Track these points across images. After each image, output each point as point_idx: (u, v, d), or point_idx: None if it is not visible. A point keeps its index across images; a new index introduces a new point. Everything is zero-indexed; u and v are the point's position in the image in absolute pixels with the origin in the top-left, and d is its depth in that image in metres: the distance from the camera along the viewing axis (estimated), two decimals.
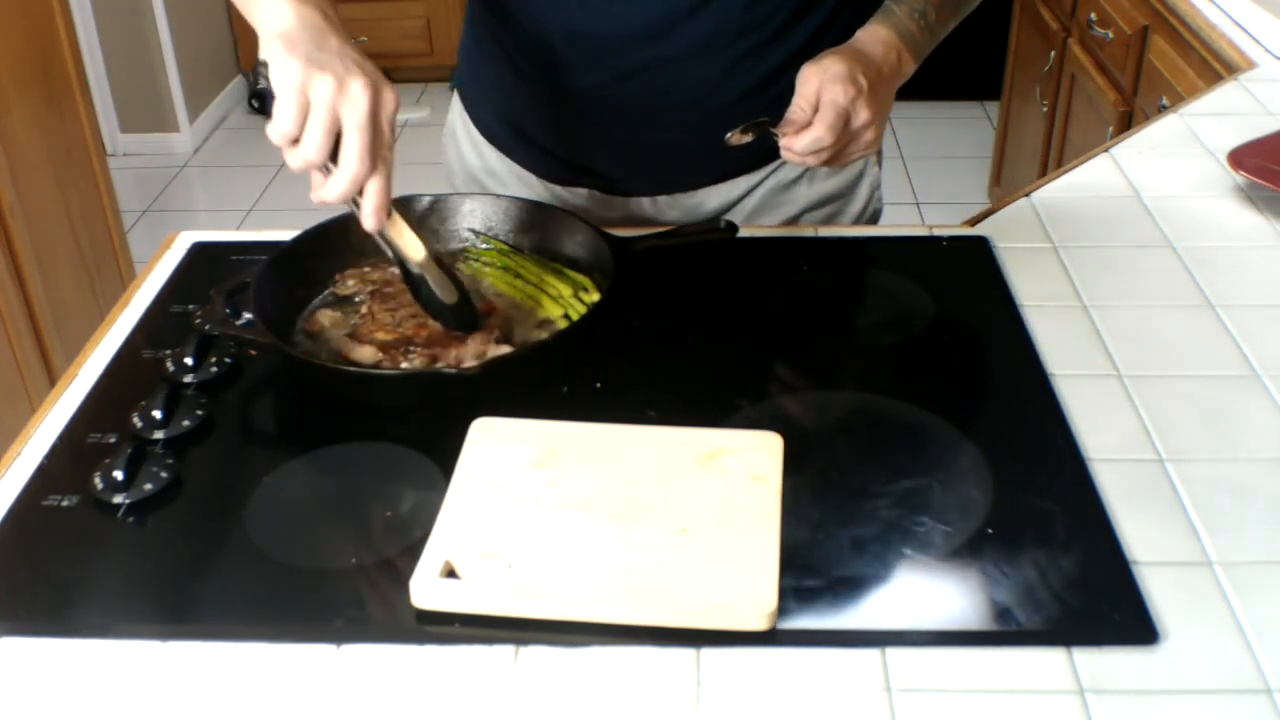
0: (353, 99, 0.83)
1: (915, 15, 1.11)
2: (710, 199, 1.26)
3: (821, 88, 1.02)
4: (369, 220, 0.88)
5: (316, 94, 0.83)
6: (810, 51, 1.05)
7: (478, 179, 1.33)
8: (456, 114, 1.36)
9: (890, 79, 1.08)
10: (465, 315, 0.99)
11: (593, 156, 1.24)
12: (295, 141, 0.84)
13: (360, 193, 0.86)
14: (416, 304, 1.00)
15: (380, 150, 0.85)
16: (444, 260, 0.99)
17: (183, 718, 0.70)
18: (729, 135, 1.03)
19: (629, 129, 1.19)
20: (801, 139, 1.02)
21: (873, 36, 1.09)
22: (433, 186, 1.19)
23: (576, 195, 1.28)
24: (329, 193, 0.86)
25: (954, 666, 0.72)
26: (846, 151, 1.05)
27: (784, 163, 1.24)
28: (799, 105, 1.03)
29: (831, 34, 1.13)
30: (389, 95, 0.86)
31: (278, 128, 0.83)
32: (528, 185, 1.29)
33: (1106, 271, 1.12)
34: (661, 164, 1.23)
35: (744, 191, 1.26)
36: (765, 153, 1.08)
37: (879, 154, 1.33)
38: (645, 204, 1.26)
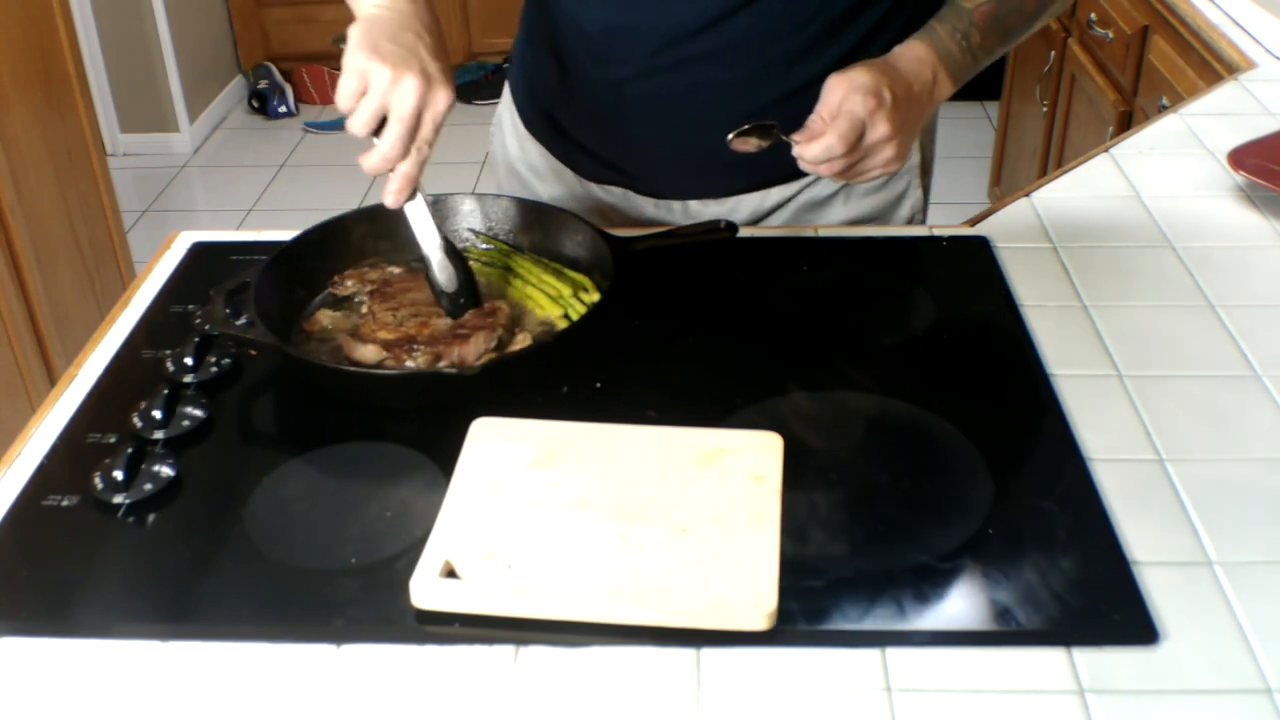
0: (402, 93, 0.92)
1: (957, 36, 1.08)
2: (741, 208, 1.25)
3: (844, 97, 1.00)
4: (387, 198, 0.97)
5: (374, 81, 0.93)
6: (846, 66, 1.03)
7: (516, 171, 1.34)
8: (505, 105, 1.36)
9: (921, 97, 1.05)
10: (459, 305, 1.03)
11: (622, 153, 1.24)
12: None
13: (391, 172, 0.96)
14: (421, 297, 1.03)
15: (417, 141, 0.94)
16: (456, 252, 1.03)
17: (183, 718, 0.70)
18: (730, 136, 1.01)
19: (657, 127, 1.18)
20: (813, 147, 1.00)
21: (909, 52, 1.06)
22: (437, 185, 1.19)
23: (610, 194, 1.28)
24: (366, 163, 0.95)
25: (954, 666, 0.72)
26: (862, 167, 1.03)
27: (819, 177, 1.22)
28: (819, 114, 1.01)
29: (871, 52, 1.09)
30: (440, 94, 0.94)
31: (339, 100, 0.94)
32: (563, 181, 1.30)
33: (1106, 271, 1.12)
34: (690, 166, 1.22)
35: (776, 204, 1.25)
36: (798, 166, 1.06)
37: (926, 180, 1.30)
38: (676, 207, 1.26)
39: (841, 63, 1.06)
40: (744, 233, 1.14)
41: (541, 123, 1.30)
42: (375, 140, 0.94)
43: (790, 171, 1.22)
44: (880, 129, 1.00)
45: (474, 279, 1.04)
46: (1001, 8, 1.10)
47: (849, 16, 1.12)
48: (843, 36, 1.13)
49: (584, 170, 1.28)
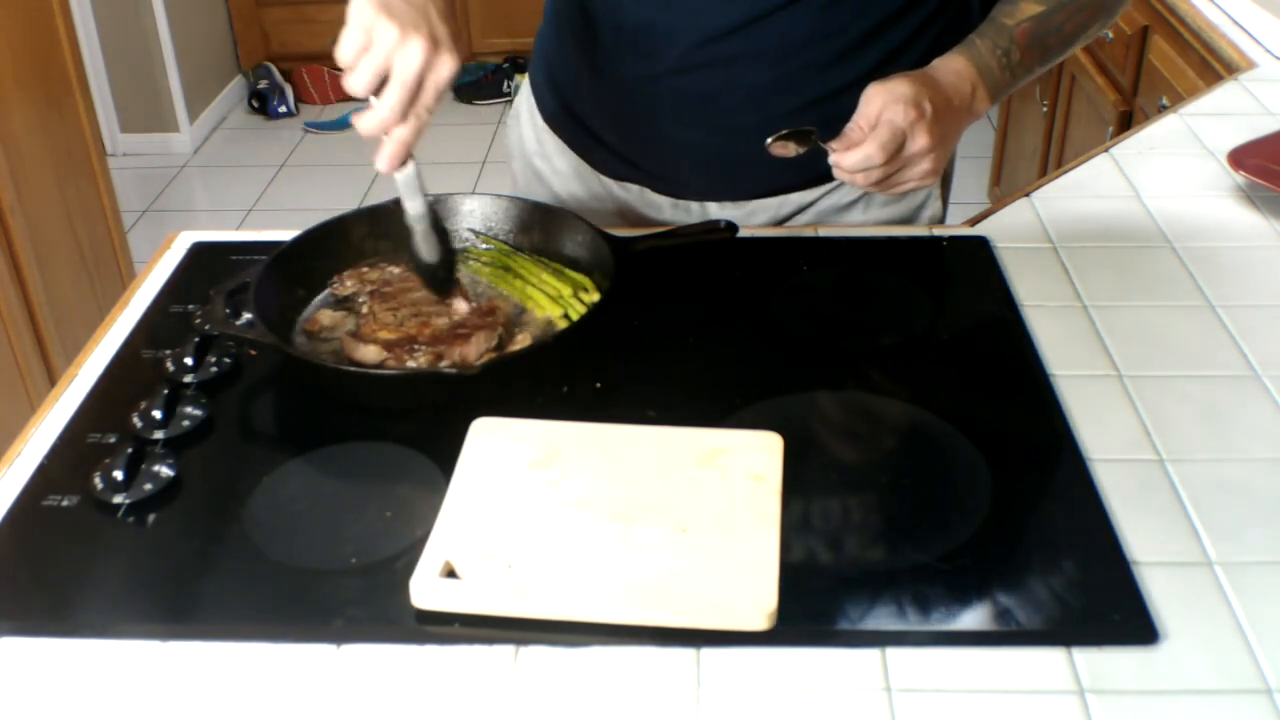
0: (408, 55, 0.88)
1: (998, 52, 1.07)
2: (760, 212, 1.25)
3: (884, 107, 0.99)
4: (380, 162, 0.93)
5: (378, 38, 0.88)
6: (880, 76, 1.02)
7: (533, 165, 1.34)
8: (523, 98, 1.36)
9: (959, 111, 1.05)
10: (438, 278, 1.02)
11: (645, 151, 1.23)
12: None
13: (386, 135, 0.92)
14: (421, 297, 1.03)
15: (416, 108, 0.90)
16: (441, 226, 1.02)
17: (183, 718, 0.70)
18: (769, 141, 1.00)
19: (684, 126, 1.18)
20: (851, 155, 0.99)
21: (949, 66, 1.06)
22: (437, 185, 1.19)
23: (627, 191, 1.28)
24: (361, 124, 0.91)
25: (954, 666, 0.72)
26: (899, 178, 1.02)
27: (839, 185, 1.22)
28: (857, 123, 1.00)
29: (905, 62, 1.09)
30: (445, 60, 0.90)
31: (340, 54, 0.90)
32: (581, 176, 1.30)
33: (1106, 271, 1.12)
34: (713, 167, 1.21)
35: (795, 209, 1.25)
36: (820, 172, 1.05)
37: (946, 191, 1.30)
38: (694, 208, 1.26)
39: (873, 71, 1.06)
40: (744, 233, 1.14)
41: (562, 116, 1.29)
42: (374, 100, 0.90)
43: (811, 177, 1.21)
44: (920, 141, 0.99)
45: (454, 255, 1.03)
46: (1042, 27, 1.09)
47: (883, 26, 1.12)
48: (876, 45, 1.12)
49: (603, 166, 1.28)
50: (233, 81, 4.34)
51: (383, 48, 0.88)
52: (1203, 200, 1.25)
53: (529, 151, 1.34)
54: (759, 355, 1.02)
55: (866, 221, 1.26)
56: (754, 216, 1.25)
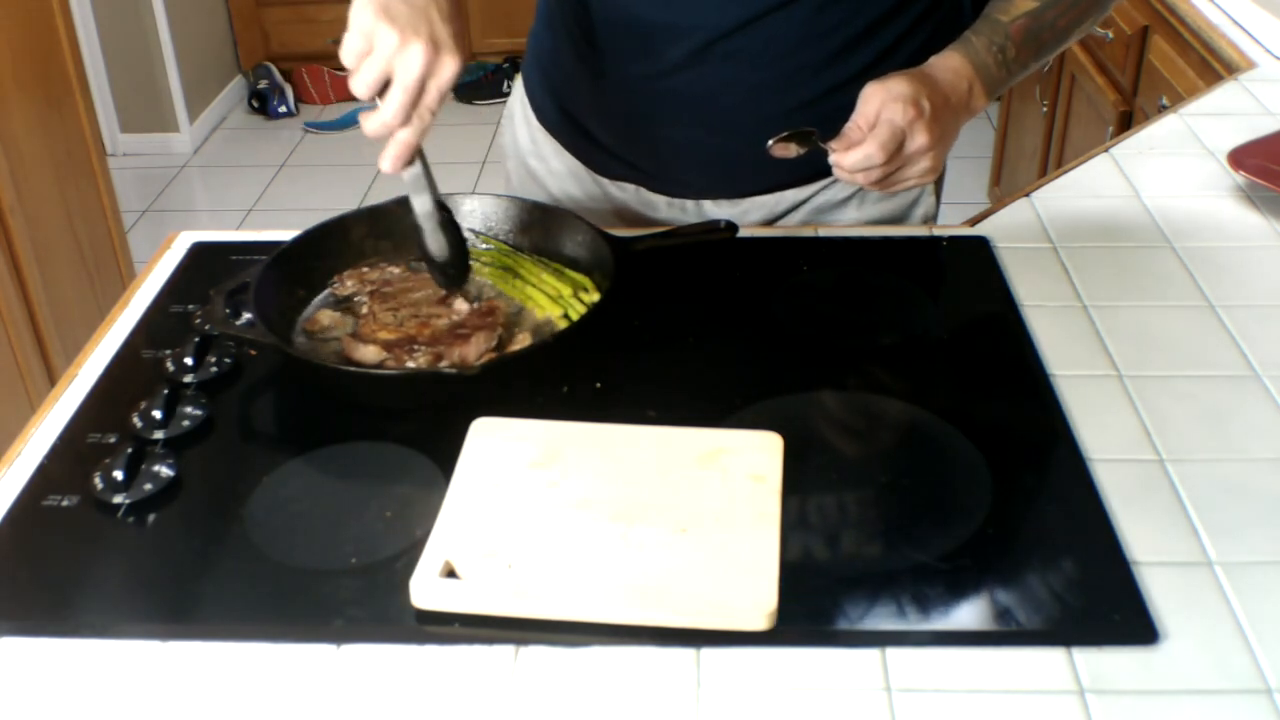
0: (408, 59, 0.89)
1: (994, 49, 1.08)
2: (755, 210, 1.25)
3: (882, 106, 1.00)
4: (384, 162, 0.94)
5: (379, 43, 0.89)
6: (874, 74, 1.03)
7: (527, 164, 1.34)
8: (517, 97, 1.36)
9: (957, 109, 1.05)
10: (450, 274, 1.03)
11: (641, 149, 1.23)
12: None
13: (390, 136, 0.92)
14: (421, 298, 1.03)
15: (419, 110, 0.91)
16: (451, 221, 1.02)
17: (183, 718, 0.70)
18: (770, 142, 1.01)
19: (676, 126, 1.18)
20: (851, 155, 0.99)
21: (945, 64, 1.06)
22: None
23: (623, 190, 1.28)
24: (366, 125, 0.92)
25: (954, 666, 0.72)
26: (899, 176, 1.03)
27: (833, 181, 1.22)
28: (855, 123, 1.01)
29: (899, 60, 1.10)
30: (447, 63, 0.90)
31: (343, 58, 0.91)
32: (575, 175, 1.30)
33: (1106, 271, 1.12)
34: (709, 166, 1.22)
35: (790, 206, 1.25)
36: (815, 170, 1.05)
37: (939, 187, 1.30)
38: (689, 206, 1.26)
39: (869, 68, 1.06)
40: (744, 233, 1.14)
41: (556, 116, 1.29)
42: (379, 101, 0.91)
43: (806, 174, 1.21)
44: (920, 139, 1.00)
45: (466, 249, 1.04)
46: (1037, 23, 1.10)
47: (878, 24, 1.12)
48: (871, 43, 1.13)
49: (598, 165, 1.28)
50: (233, 81, 4.34)
51: (383, 53, 0.89)
52: (1202, 200, 1.25)
53: (524, 152, 1.34)
54: (759, 355, 1.02)
55: (861, 218, 1.26)
56: (750, 214, 1.25)
